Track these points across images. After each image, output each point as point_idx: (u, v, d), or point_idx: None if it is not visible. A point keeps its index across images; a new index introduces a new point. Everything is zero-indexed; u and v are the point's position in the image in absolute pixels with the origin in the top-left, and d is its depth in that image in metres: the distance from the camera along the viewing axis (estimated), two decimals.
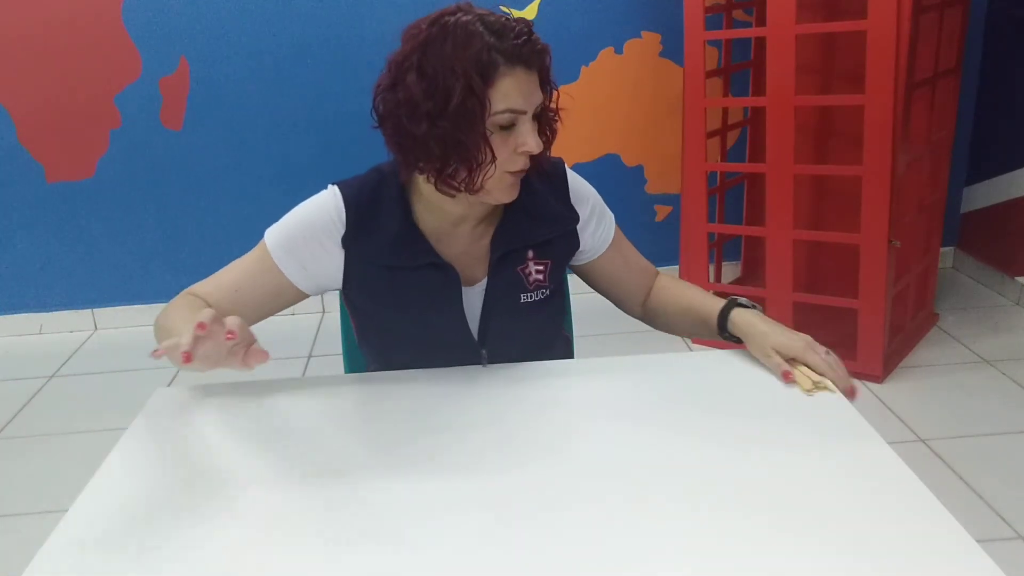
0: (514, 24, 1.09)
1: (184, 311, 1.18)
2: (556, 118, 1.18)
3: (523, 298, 1.27)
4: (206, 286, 1.26)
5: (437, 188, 1.14)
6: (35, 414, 2.69)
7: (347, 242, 1.22)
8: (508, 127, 1.10)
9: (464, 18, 1.08)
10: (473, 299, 1.26)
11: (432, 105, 1.07)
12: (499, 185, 1.14)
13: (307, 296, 1.28)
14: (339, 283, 1.26)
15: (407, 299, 1.24)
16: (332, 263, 1.23)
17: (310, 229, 1.22)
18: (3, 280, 3.28)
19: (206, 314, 0.95)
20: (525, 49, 1.08)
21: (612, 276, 1.40)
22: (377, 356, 1.38)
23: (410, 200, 1.23)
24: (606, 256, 1.37)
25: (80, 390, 2.86)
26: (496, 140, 1.10)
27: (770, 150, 2.50)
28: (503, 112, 1.08)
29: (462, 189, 1.13)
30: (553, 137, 1.20)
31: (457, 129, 1.07)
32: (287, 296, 1.26)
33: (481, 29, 1.07)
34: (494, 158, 1.10)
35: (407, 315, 1.26)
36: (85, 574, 0.86)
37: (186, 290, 1.27)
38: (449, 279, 1.23)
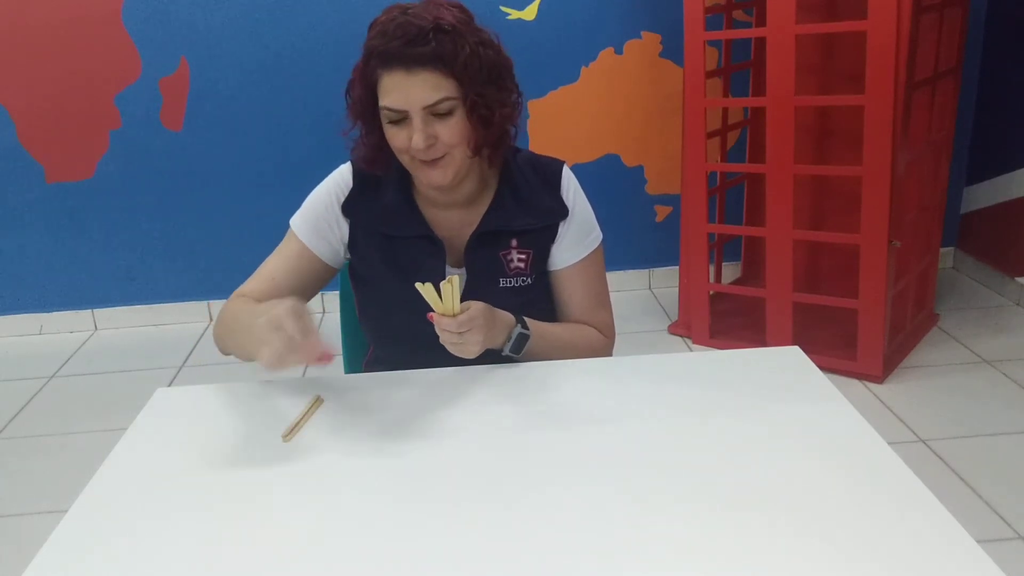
0: (412, 26, 1.14)
1: (247, 308, 1.23)
2: (496, 105, 1.22)
3: (502, 282, 1.32)
4: (249, 284, 1.34)
5: (373, 168, 1.29)
6: (35, 414, 2.69)
7: (347, 208, 1.32)
8: (398, 122, 1.19)
9: (381, 19, 1.18)
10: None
11: (349, 96, 1.25)
12: (414, 169, 1.24)
13: (336, 270, 1.38)
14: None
15: (400, 268, 1.32)
16: (343, 230, 1.34)
17: (326, 199, 1.33)
18: (3, 280, 3.28)
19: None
20: (404, 52, 1.14)
21: (555, 293, 1.39)
22: (374, 329, 1.42)
23: (411, 179, 1.33)
24: (561, 273, 1.37)
25: (80, 390, 2.86)
26: (390, 132, 1.21)
27: (770, 150, 2.49)
28: (383, 109, 1.20)
29: (383, 169, 1.29)
30: (489, 125, 1.22)
31: (357, 116, 1.25)
32: (321, 274, 1.35)
33: (377, 31, 1.17)
34: (378, 144, 1.25)
35: (399, 283, 1.30)
36: (85, 574, 0.86)
37: (234, 293, 1.34)
38: (437, 251, 1.30)
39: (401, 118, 1.19)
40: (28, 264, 3.26)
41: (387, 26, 1.16)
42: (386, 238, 1.32)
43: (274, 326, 1.03)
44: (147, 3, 2.96)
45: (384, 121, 1.22)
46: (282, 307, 1.05)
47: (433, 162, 1.22)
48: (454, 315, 1.14)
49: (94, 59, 3.02)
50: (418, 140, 1.17)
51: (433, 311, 1.15)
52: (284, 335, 1.02)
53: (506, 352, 1.26)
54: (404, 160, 1.25)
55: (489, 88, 1.21)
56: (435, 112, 1.18)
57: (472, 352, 1.17)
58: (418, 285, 1.12)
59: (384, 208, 1.32)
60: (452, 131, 1.19)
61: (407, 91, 1.16)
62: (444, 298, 1.13)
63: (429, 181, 1.24)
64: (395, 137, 1.21)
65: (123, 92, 3.07)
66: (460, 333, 1.14)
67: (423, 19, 1.15)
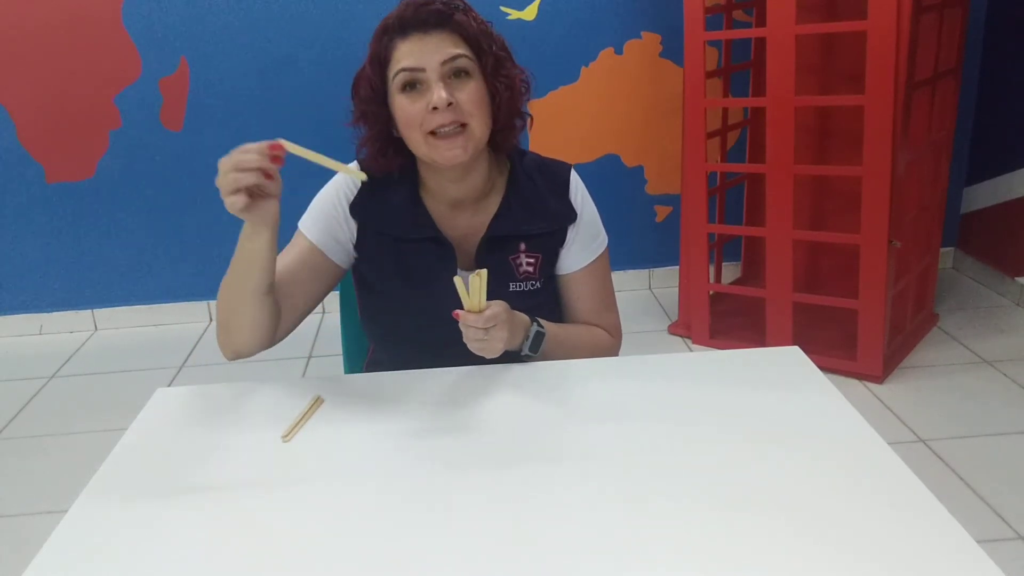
0: (425, 1, 1.18)
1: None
2: (511, 74, 1.24)
3: (512, 287, 1.31)
4: None
5: (379, 166, 1.28)
6: (35, 414, 2.69)
7: (355, 210, 1.31)
8: (411, 86, 1.19)
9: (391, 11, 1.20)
10: (467, 282, 1.30)
11: (355, 94, 1.25)
12: (427, 147, 1.21)
13: (344, 271, 1.36)
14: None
15: (408, 271, 1.31)
16: (351, 230, 1.32)
17: (334, 198, 1.32)
18: (3, 280, 3.28)
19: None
20: (419, 14, 1.17)
21: (564, 296, 1.40)
22: (377, 332, 1.41)
23: (419, 179, 1.32)
24: (569, 277, 1.37)
25: (80, 390, 2.86)
26: (404, 103, 1.19)
27: (770, 150, 2.50)
28: (400, 72, 1.18)
29: (395, 165, 1.28)
30: (508, 91, 1.24)
31: (367, 103, 1.23)
32: (328, 272, 1.33)
33: (390, 14, 1.20)
34: (391, 125, 1.24)
35: (406, 286, 1.31)
36: (85, 574, 0.86)
37: None
38: (446, 255, 1.29)
39: (417, 80, 1.18)
40: (28, 264, 3.26)
41: (400, 6, 1.20)
42: (394, 240, 1.31)
43: (231, 164, 1.05)
44: (147, 3, 2.96)
45: (397, 92, 1.20)
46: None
47: (451, 137, 1.19)
48: (480, 311, 1.13)
49: (94, 59, 3.02)
50: (439, 95, 1.16)
51: (459, 309, 1.14)
52: (241, 167, 1.05)
53: (525, 352, 1.26)
54: (416, 140, 1.21)
55: (503, 58, 1.24)
56: (454, 70, 1.18)
57: (496, 350, 1.17)
58: (456, 280, 1.12)
59: (392, 210, 1.31)
60: (470, 96, 1.19)
61: (425, 50, 1.17)
62: (472, 293, 1.12)
63: (446, 158, 1.20)
64: (410, 107, 1.19)
65: (123, 92, 3.07)
66: (486, 330, 1.14)
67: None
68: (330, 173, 1.35)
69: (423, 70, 1.17)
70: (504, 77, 1.23)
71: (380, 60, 1.21)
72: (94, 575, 0.86)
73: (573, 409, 1.13)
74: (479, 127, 1.21)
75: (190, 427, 1.14)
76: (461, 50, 1.18)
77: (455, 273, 1.30)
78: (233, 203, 1.07)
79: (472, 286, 1.12)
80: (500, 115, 1.25)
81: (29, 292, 3.30)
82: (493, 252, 1.31)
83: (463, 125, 1.19)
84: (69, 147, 3.12)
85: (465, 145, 1.20)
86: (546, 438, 1.06)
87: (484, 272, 1.11)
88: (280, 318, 1.26)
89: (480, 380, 1.22)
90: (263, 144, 1.06)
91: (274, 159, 1.07)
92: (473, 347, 1.17)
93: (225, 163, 1.06)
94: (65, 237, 3.23)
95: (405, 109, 1.20)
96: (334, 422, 1.13)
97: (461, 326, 1.15)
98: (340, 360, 1.59)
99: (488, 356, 1.18)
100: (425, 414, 1.13)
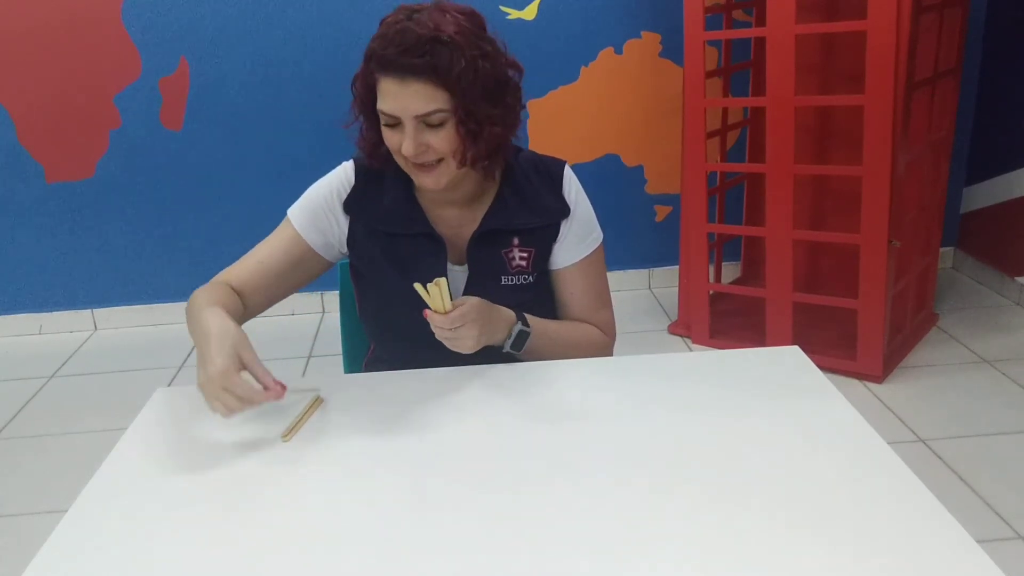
0: (411, 34, 1.14)
1: (205, 312, 1.16)
2: (486, 122, 1.20)
3: (504, 280, 1.33)
4: (234, 270, 1.33)
5: (373, 160, 1.30)
6: (35, 414, 2.69)
7: (349, 206, 1.33)
8: (393, 126, 1.21)
9: (387, 19, 1.19)
10: (460, 276, 1.33)
11: (354, 89, 1.26)
12: (409, 170, 1.25)
13: (330, 264, 1.37)
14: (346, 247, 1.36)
15: (401, 265, 1.32)
16: (342, 227, 1.34)
17: (326, 194, 1.33)
18: (3, 280, 3.28)
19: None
20: (401, 61, 1.15)
21: (557, 292, 1.40)
22: (376, 329, 1.42)
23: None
24: (562, 272, 1.37)
25: (80, 390, 2.86)
26: (388, 133, 1.22)
27: (770, 150, 2.50)
28: (379, 112, 1.21)
29: (384, 163, 1.29)
30: (477, 140, 1.20)
31: (360, 111, 1.26)
32: (310, 264, 1.35)
33: (379, 34, 1.18)
34: (378, 139, 1.25)
35: (402, 281, 1.29)
36: (85, 574, 0.86)
37: (214, 279, 1.32)
38: (438, 249, 1.31)
39: (395, 123, 1.20)
40: (28, 264, 3.26)
41: (389, 30, 1.16)
42: (388, 236, 1.32)
43: (221, 387, 1.04)
44: (147, 3, 2.96)
45: (381, 122, 1.23)
46: (219, 368, 1.04)
47: (427, 168, 1.22)
48: (446, 313, 1.15)
49: (94, 59, 3.02)
50: (408, 147, 1.18)
51: (429, 309, 1.16)
52: (233, 396, 1.04)
53: (506, 349, 1.26)
54: (399, 160, 1.25)
55: (483, 104, 1.19)
56: (427, 122, 1.18)
57: (467, 347, 1.18)
58: (416, 286, 1.13)
59: (386, 206, 1.32)
60: (443, 141, 1.19)
61: (400, 99, 1.17)
62: (433, 299, 1.14)
63: (424, 184, 1.25)
64: (390, 139, 1.22)
65: (123, 92, 3.07)
66: (453, 329, 1.15)
67: (424, 27, 1.14)
68: (326, 168, 1.36)
69: (398, 118, 1.18)
70: (475, 124, 1.19)
71: (367, 82, 1.22)
72: (94, 575, 0.86)
73: (573, 408, 1.14)
74: (455, 163, 1.22)
75: (190, 427, 1.14)
76: (436, 104, 1.16)
77: (445, 267, 1.32)
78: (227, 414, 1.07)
79: (432, 293, 1.13)
80: (473, 156, 1.22)
81: (29, 292, 3.30)
82: (486, 246, 1.32)
83: (440, 159, 1.21)
84: (69, 147, 3.12)
85: (439, 178, 1.23)
86: (546, 437, 1.06)
87: (442, 281, 1.13)
88: (243, 315, 1.30)
89: (480, 380, 1.22)
90: (272, 396, 1.07)
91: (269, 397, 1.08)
92: (445, 344, 1.18)
93: (228, 398, 1.05)
94: (65, 237, 3.23)
95: (389, 139, 1.22)
96: (334, 422, 1.13)
97: (431, 325, 1.17)
98: (340, 360, 1.59)
99: (462, 351, 1.19)
100: (425, 414, 1.14)
